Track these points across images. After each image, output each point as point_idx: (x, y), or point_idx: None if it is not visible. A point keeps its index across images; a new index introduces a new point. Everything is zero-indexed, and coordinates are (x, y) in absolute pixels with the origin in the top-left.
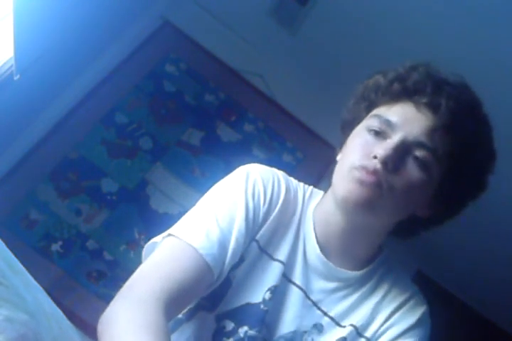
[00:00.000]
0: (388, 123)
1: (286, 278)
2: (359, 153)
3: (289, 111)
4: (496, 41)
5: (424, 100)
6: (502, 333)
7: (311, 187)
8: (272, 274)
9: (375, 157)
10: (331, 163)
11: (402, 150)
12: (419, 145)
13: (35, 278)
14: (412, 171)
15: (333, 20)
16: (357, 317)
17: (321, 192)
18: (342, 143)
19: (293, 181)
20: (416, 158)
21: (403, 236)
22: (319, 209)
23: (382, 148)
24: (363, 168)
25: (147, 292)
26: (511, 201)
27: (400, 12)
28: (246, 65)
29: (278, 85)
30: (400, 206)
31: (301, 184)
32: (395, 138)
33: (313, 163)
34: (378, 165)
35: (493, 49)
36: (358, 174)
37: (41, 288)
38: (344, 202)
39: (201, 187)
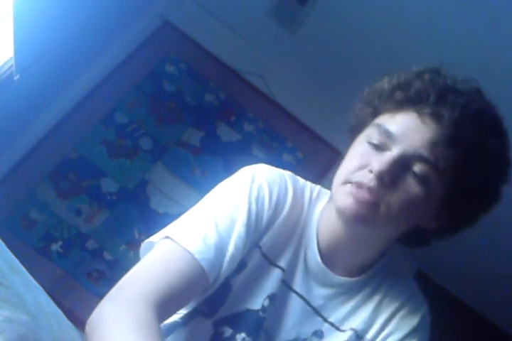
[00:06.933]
0: (388, 134)
1: (285, 285)
2: (356, 162)
3: (289, 111)
4: (497, 40)
5: (427, 110)
6: (502, 333)
7: (319, 186)
8: (271, 281)
9: (371, 171)
10: (331, 163)
11: (401, 164)
12: (420, 158)
13: (35, 278)
14: (411, 185)
15: (333, 20)
16: (357, 321)
17: (329, 192)
18: (350, 147)
19: (300, 181)
20: (415, 172)
21: (410, 244)
22: (325, 213)
23: (379, 163)
24: (358, 184)
25: (136, 293)
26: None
27: (401, 12)
28: (246, 65)
29: (278, 85)
30: (400, 220)
31: (308, 183)
32: (394, 152)
33: (313, 163)
34: (373, 182)
35: (495, 47)
36: (350, 189)
37: (41, 288)
38: (341, 214)
39: (201, 187)
